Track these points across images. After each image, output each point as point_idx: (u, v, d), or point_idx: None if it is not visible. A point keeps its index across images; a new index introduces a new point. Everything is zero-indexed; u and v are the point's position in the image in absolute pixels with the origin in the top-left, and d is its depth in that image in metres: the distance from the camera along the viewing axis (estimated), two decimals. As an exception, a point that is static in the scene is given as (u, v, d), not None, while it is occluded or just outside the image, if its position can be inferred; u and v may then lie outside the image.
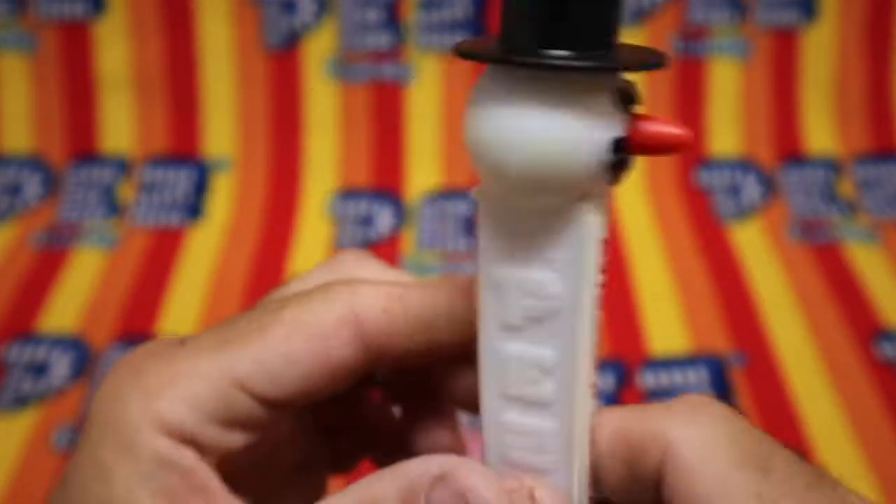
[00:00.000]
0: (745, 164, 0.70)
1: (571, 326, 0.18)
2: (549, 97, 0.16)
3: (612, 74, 0.17)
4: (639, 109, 0.17)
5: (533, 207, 0.18)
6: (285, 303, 0.20)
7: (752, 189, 0.69)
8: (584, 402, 0.19)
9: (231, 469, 0.21)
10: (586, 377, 0.19)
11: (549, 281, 0.18)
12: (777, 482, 0.18)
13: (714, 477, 0.18)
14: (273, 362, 0.19)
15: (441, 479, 0.18)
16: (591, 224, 0.18)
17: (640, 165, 0.64)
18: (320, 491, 0.25)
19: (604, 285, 0.18)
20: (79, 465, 0.19)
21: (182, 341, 0.20)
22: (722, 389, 0.52)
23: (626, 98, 0.17)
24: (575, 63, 0.16)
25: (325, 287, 0.21)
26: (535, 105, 0.16)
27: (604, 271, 0.18)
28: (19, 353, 0.54)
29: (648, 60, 0.17)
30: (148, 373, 0.19)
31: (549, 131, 0.16)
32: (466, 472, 0.18)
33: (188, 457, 0.19)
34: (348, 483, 0.19)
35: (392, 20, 0.70)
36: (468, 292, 0.20)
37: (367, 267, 0.22)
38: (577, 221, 0.17)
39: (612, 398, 0.52)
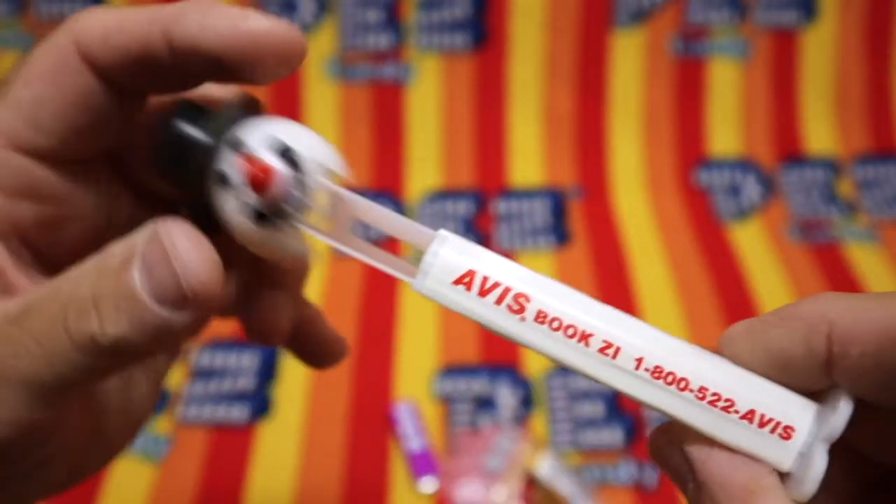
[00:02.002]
0: (745, 164, 0.70)
1: None
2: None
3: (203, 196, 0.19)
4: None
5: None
6: (20, 61, 0.21)
7: (751, 189, 0.69)
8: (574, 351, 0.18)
9: (42, 246, 0.21)
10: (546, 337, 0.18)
11: None
12: None
13: None
14: (24, 108, 0.20)
15: (151, 238, 0.18)
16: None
17: (639, 165, 0.63)
18: None
19: None
20: None
21: None
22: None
23: (223, 178, 0.19)
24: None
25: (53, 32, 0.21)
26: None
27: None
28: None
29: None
30: None
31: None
32: (171, 235, 0.18)
33: None
34: None
35: (392, 20, 0.70)
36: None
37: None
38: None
39: (612, 398, 0.52)
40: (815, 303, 0.18)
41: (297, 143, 0.19)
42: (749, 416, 0.17)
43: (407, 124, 0.70)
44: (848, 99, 0.72)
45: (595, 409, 0.51)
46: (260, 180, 0.18)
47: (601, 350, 0.18)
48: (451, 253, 0.19)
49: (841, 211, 0.67)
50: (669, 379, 0.18)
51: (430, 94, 0.70)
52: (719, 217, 0.67)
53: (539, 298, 0.18)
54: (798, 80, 0.72)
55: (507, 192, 0.68)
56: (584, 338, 0.18)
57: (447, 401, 0.51)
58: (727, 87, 0.71)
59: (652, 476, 0.47)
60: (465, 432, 0.49)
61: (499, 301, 0.18)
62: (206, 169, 0.19)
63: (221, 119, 0.19)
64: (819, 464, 0.17)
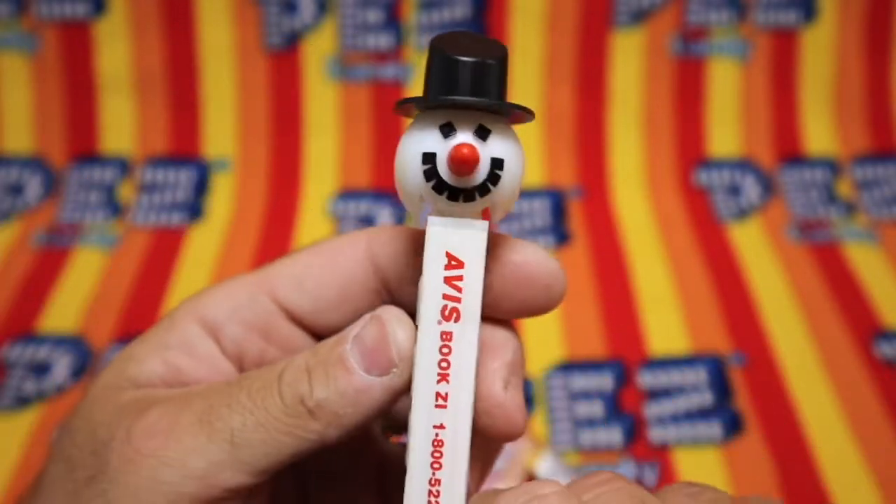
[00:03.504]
0: (744, 164, 0.70)
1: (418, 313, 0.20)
2: (411, 128, 0.21)
3: (440, 113, 0.20)
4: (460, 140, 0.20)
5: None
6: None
7: (751, 189, 0.69)
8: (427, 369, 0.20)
9: None
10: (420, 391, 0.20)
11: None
12: None
13: None
14: (296, 266, 0.23)
15: (371, 319, 0.20)
16: (433, 232, 0.20)
17: (639, 165, 0.63)
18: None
19: (452, 302, 0.20)
20: None
21: None
22: (721, 389, 0.52)
23: (448, 129, 0.20)
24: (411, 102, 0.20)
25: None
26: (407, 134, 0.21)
27: (453, 289, 0.20)
28: (20, 353, 0.54)
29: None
30: (203, 289, 0.23)
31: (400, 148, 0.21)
32: (390, 315, 0.20)
33: (209, 346, 0.22)
34: None
35: (392, 20, 0.70)
36: None
37: None
38: (427, 229, 0.20)
39: (611, 398, 0.52)
40: None
41: (509, 163, 0.20)
42: None
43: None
44: (848, 99, 0.72)
45: (594, 408, 0.51)
46: (464, 164, 0.19)
47: (438, 394, 0.20)
48: (473, 241, 0.20)
49: (840, 211, 0.67)
50: (436, 455, 0.20)
51: (430, 94, 0.70)
52: (719, 217, 0.67)
53: (461, 326, 0.20)
54: (798, 80, 0.72)
55: (507, 192, 0.68)
56: (443, 377, 0.20)
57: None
58: (727, 87, 0.71)
59: (651, 476, 0.48)
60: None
61: (444, 297, 0.20)
62: (450, 108, 0.20)
63: (506, 104, 0.20)
64: None
